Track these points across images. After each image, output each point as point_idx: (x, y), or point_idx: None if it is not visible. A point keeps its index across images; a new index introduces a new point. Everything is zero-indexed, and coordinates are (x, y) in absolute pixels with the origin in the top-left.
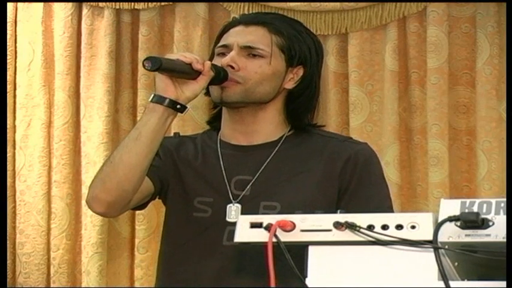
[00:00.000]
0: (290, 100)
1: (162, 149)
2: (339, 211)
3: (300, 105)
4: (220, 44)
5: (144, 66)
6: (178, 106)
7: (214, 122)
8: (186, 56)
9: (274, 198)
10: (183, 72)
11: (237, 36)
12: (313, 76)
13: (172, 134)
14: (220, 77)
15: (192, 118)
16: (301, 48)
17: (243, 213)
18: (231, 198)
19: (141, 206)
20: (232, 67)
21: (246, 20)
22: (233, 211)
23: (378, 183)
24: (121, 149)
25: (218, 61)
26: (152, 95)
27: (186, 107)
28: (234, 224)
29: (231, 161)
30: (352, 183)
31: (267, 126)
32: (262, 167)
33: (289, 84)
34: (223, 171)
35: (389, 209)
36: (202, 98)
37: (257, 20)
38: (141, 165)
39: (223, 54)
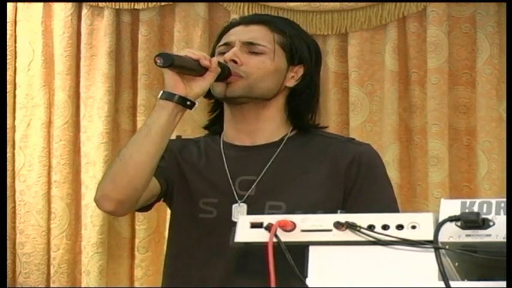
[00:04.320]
0: (292, 98)
1: (166, 151)
2: (339, 211)
3: (301, 103)
4: (222, 42)
5: (156, 62)
6: (188, 102)
7: (213, 126)
8: (194, 53)
9: (280, 198)
10: (191, 69)
11: (239, 34)
12: (313, 75)
13: (174, 137)
14: (224, 73)
15: (192, 118)
16: (302, 47)
17: (248, 213)
18: (236, 198)
19: (146, 208)
20: (235, 61)
21: (246, 20)
22: (239, 211)
23: (382, 185)
24: (131, 146)
25: (220, 59)
26: (161, 92)
27: (195, 103)
28: None
29: (234, 162)
30: (356, 184)
31: (270, 125)
32: (266, 167)
33: (291, 82)
34: (227, 172)
35: (395, 210)
36: (201, 99)
37: (257, 19)
38: (150, 162)
39: (224, 53)
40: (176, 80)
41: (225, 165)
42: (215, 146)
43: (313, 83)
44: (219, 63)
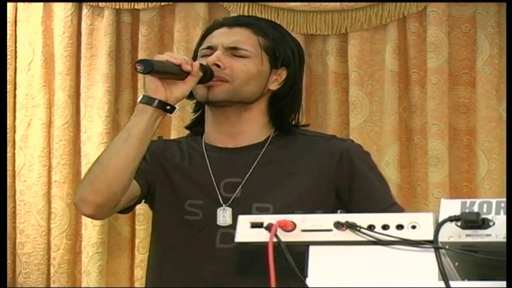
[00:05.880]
0: (274, 101)
1: (148, 152)
2: (339, 211)
3: (284, 106)
4: (204, 45)
5: (136, 69)
6: (168, 107)
7: (195, 127)
8: (176, 57)
9: (267, 199)
10: (173, 73)
11: (222, 37)
12: (296, 78)
13: (156, 138)
14: (207, 76)
15: (191, 118)
16: (285, 50)
17: (235, 215)
18: (221, 201)
19: (127, 210)
20: (218, 66)
21: (230, 22)
22: (224, 214)
23: (378, 174)
24: (110, 150)
25: (203, 62)
26: (141, 96)
27: (175, 108)
28: (225, 227)
29: (218, 164)
30: (355, 178)
31: (252, 127)
32: (251, 169)
33: (274, 85)
34: (212, 174)
35: (394, 197)
36: (186, 103)
37: (241, 21)
38: (130, 166)
39: (207, 56)
40: (157, 84)
41: (209, 167)
42: (197, 147)
43: (296, 85)
44: (201, 65)
